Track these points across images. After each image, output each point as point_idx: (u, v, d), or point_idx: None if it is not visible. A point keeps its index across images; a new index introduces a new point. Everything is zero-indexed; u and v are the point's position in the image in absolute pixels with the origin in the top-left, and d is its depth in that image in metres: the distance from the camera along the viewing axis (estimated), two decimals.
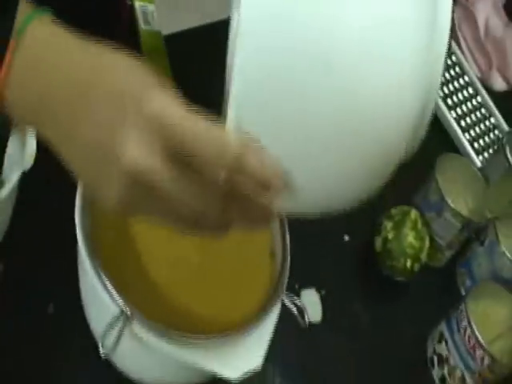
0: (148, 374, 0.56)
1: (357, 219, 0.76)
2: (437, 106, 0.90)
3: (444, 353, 0.68)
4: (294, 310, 0.54)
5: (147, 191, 0.38)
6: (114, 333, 0.49)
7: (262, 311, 0.53)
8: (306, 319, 0.54)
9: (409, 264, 0.72)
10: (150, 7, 0.64)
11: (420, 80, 0.40)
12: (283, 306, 0.55)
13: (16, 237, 0.60)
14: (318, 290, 0.72)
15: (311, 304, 0.71)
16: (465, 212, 0.73)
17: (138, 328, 0.49)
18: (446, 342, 0.68)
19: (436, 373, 0.70)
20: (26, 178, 0.55)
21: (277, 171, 0.38)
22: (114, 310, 0.49)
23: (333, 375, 0.69)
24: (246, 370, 0.50)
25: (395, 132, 0.41)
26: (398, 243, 0.72)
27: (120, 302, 0.48)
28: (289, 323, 0.56)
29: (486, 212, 0.75)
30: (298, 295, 0.71)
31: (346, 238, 0.77)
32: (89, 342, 0.55)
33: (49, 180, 0.57)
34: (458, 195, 0.74)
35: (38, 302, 0.59)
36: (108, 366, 0.55)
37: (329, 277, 0.74)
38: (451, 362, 0.67)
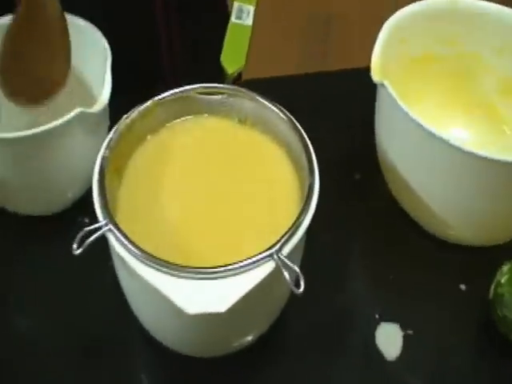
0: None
1: (479, 270, 0.64)
2: None
3: None
4: (286, 274, 0.46)
5: None
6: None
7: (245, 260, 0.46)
8: (302, 286, 0.45)
9: None
10: (248, 7, 0.66)
11: None
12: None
13: None
14: (404, 329, 0.61)
15: (389, 340, 0.60)
16: None
17: (117, 245, 0.47)
18: None
19: None
20: None
21: None
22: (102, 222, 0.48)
23: None
24: (206, 311, 0.44)
25: None
26: (510, 287, 0.57)
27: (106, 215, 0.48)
28: None
29: None
30: (376, 327, 0.61)
31: (463, 287, 0.64)
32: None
33: None
34: None
35: None
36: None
37: (427, 320, 0.61)
38: None
